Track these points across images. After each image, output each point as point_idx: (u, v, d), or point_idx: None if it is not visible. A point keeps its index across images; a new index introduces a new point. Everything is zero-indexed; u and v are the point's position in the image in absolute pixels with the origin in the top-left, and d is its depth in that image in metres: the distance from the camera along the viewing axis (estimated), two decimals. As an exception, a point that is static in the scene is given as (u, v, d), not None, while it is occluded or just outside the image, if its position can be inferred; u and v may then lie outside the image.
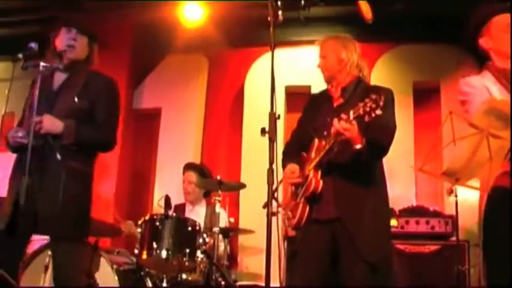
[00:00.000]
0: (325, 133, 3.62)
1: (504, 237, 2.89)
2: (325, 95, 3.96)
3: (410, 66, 7.10)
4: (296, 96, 7.14)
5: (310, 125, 3.86)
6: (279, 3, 3.42)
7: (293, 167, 3.77)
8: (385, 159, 3.76)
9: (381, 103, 3.19)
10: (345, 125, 3.36)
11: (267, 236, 2.94)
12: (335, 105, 3.83)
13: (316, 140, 3.70)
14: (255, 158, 6.75)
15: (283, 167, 3.83)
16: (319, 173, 3.63)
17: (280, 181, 3.63)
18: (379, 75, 7.00)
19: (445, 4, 6.50)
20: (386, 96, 3.29)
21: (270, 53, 3.29)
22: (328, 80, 3.94)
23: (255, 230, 5.73)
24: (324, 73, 3.95)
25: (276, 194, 3.31)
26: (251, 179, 6.27)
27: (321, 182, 3.62)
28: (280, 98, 7.07)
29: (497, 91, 3.10)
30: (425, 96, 7.03)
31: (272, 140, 3.08)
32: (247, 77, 7.50)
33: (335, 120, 3.42)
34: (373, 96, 3.22)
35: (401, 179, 6.38)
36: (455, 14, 6.64)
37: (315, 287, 3.57)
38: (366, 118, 3.25)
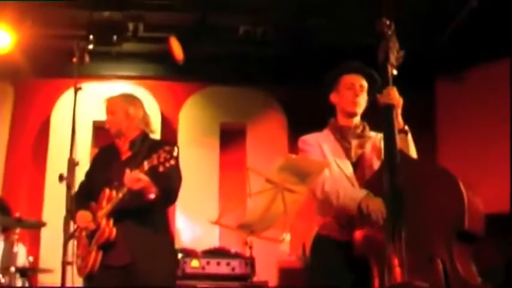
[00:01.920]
0: (115, 183, 3.77)
1: (327, 277, 3.27)
2: (113, 148, 4.11)
3: (218, 107, 7.26)
4: (104, 131, 7.02)
5: (100, 177, 3.97)
6: (91, 37, 3.41)
7: (85, 213, 3.84)
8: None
9: (175, 154, 3.45)
10: (137, 176, 3.56)
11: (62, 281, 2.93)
12: (123, 158, 4.02)
13: (107, 190, 3.82)
14: (58, 195, 6.42)
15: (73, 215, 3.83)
16: (111, 221, 3.75)
17: (77, 228, 3.79)
18: (188, 115, 7.11)
19: (254, 46, 6.77)
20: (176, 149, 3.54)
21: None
22: (116, 135, 4.07)
23: (56, 268, 5.51)
24: (112, 128, 4.08)
25: (73, 240, 3.45)
26: (53, 217, 5.99)
27: (114, 230, 3.74)
28: (88, 133, 7.02)
29: (329, 149, 3.41)
30: (231, 138, 7.22)
31: (70, 187, 3.10)
32: (53, 110, 7.25)
33: (127, 172, 3.61)
34: (167, 148, 3.49)
35: (205, 220, 6.40)
36: (263, 56, 7.00)
37: None
38: (161, 168, 3.48)
